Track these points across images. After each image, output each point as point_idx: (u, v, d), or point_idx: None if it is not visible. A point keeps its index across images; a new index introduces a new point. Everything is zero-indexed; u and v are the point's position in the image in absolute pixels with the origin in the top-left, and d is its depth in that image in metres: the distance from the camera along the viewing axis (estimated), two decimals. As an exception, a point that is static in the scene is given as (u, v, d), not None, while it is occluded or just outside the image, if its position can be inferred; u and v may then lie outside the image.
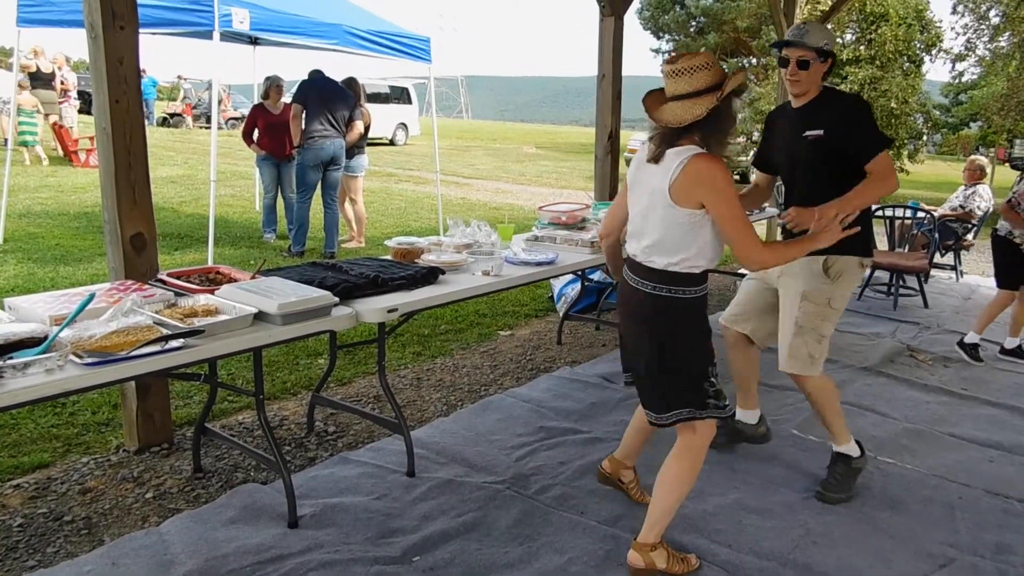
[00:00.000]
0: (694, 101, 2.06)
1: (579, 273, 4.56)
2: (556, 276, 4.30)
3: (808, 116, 2.72)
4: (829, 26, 13.98)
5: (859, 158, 2.62)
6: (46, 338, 1.93)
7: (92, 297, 2.15)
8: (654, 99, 2.18)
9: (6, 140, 10.18)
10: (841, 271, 2.70)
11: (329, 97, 6.47)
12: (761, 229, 4.00)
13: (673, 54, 2.17)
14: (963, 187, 6.87)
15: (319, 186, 6.69)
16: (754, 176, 3.07)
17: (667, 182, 2.07)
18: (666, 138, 2.11)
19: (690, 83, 2.07)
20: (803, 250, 2.28)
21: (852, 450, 2.85)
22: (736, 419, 3.15)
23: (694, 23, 23.79)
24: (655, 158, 2.13)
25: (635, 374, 2.34)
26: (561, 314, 4.92)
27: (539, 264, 3.29)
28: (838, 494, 2.79)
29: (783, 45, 2.73)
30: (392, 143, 20.69)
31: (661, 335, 2.19)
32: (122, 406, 3.04)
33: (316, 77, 6.54)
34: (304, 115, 6.43)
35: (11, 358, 1.84)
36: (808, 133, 2.69)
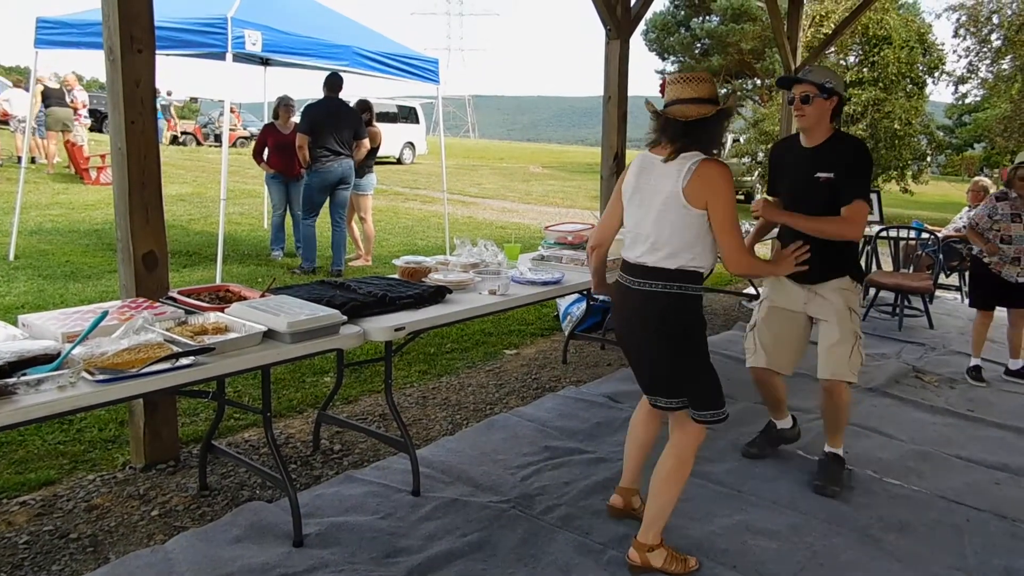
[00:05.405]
0: (699, 105, 2.24)
1: (585, 292, 4.58)
2: (562, 295, 4.31)
3: (822, 157, 2.86)
4: (832, 49, 14.13)
5: (841, 198, 2.78)
6: (59, 355, 1.96)
7: (105, 315, 2.18)
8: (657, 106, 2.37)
9: (19, 158, 10.30)
10: (855, 286, 3.02)
11: (335, 119, 6.49)
12: (765, 248, 4.06)
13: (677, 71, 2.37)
14: (967, 208, 6.91)
15: (328, 204, 6.74)
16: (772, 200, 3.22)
17: (680, 185, 2.21)
18: (677, 141, 2.26)
19: (696, 90, 2.26)
20: (768, 271, 2.77)
21: (841, 451, 3.16)
22: (777, 428, 3.39)
23: (699, 45, 23.98)
24: (669, 157, 2.26)
25: (643, 370, 2.43)
26: (566, 333, 4.94)
27: (545, 283, 3.32)
28: (835, 486, 3.00)
29: (791, 82, 2.89)
30: (399, 162, 20.86)
31: (673, 328, 2.29)
32: (129, 423, 3.06)
33: (322, 99, 6.56)
34: (311, 138, 6.44)
35: (25, 374, 1.86)
36: (820, 175, 2.84)
